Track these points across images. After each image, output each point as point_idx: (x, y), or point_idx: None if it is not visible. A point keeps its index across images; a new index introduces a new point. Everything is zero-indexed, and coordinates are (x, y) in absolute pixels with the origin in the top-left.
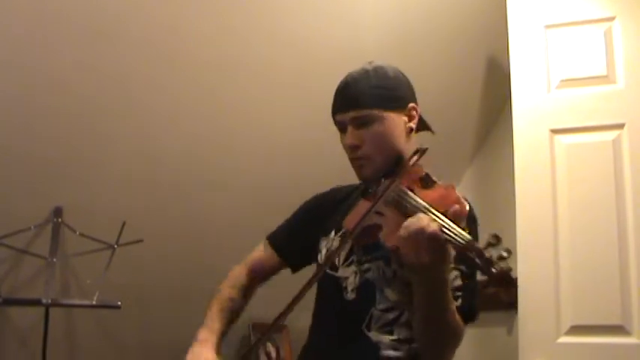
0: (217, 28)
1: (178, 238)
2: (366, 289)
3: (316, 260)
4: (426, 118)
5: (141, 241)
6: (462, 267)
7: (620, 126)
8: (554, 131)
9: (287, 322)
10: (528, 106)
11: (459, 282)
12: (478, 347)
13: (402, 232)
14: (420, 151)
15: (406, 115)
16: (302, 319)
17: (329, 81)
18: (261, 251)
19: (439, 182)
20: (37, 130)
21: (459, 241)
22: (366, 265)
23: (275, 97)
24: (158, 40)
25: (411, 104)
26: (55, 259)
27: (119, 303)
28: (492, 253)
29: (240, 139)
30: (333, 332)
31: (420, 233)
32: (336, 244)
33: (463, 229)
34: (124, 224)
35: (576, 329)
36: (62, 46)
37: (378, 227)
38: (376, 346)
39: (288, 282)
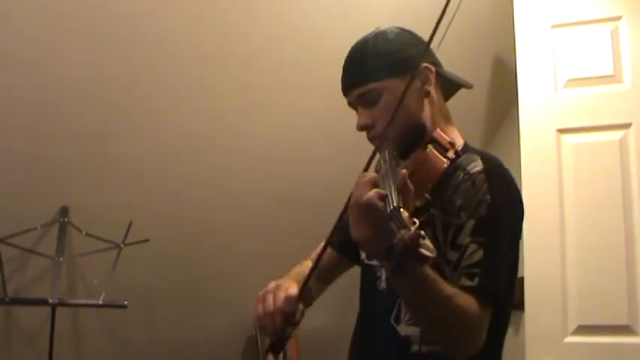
0: (221, 26)
1: (185, 237)
2: None
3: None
4: None
5: (147, 240)
6: (481, 238)
7: (627, 125)
8: (561, 131)
9: None
10: (535, 106)
11: (478, 257)
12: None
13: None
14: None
15: (420, 80)
16: (309, 319)
17: (334, 80)
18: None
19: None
20: (43, 130)
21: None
22: None
23: (282, 96)
24: (164, 39)
25: (423, 64)
26: (61, 259)
27: (126, 302)
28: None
29: (247, 140)
30: (367, 325)
31: (355, 203)
32: None
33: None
34: (130, 224)
35: (583, 329)
36: (68, 46)
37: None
38: (406, 341)
39: None
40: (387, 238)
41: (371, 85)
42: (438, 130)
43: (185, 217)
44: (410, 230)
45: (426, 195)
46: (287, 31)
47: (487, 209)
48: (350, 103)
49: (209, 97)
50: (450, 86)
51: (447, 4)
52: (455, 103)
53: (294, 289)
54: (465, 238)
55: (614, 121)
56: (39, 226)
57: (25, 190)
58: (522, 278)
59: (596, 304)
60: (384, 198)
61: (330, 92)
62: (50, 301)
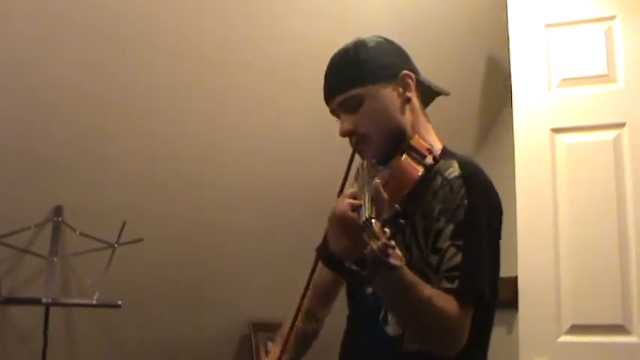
0: (220, 27)
1: (179, 237)
2: None
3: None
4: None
5: (141, 240)
6: (459, 242)
7: (621, 125)
8: (555, 130)
9: None
10: (529, 105)
11: (457, 260)
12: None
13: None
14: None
15: (399, 86)
16: None
17: None
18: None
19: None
20: (37, 129)
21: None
22: None
23: (279, 96)
24: (161, 39)
25: (404, 71)
26: (55, 258)
27: (119, 302)
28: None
29: (242, 139)
30: (357, 327)
31: (332, 215)
32: None
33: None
34: (124, 223)
35: (577, 328)
36: (63, 45)
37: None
38: (394, 341)
39: (286, 281)
40: (360, 248)
41: (353, 92)
42: (417, 136)
43: (179, 217)
44: (379, 240)
45: (396, 206)
46: (286, 32)
47: (465, 213)
48: (332, 111)
49: (206, 97)
50: (428, 93)
51: None
52: (449, 103)
53: None
54: (444, 242)
55: (608, 121)
56: (32, 226)
57: (18, 190)
58: (516, 277)
59: (590, 304)
60: (357, 209)
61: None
62: (44, 300)
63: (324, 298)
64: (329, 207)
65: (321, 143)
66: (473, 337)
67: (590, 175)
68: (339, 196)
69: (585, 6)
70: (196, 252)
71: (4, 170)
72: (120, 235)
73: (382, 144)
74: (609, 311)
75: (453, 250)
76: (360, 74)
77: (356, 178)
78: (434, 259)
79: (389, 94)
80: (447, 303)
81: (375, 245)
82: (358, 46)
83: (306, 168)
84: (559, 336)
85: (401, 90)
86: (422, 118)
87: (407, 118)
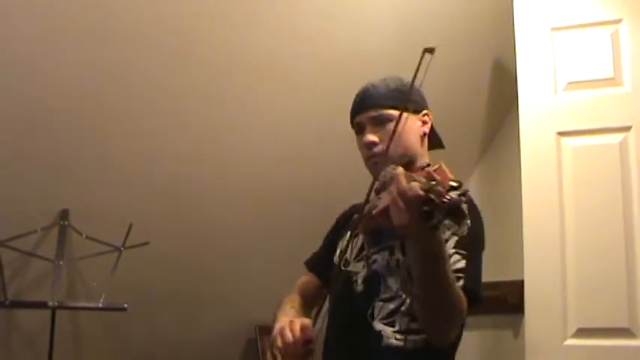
0: (221, 28)
1: (184, 240)
2: (372, 280)
3: (333, 261)
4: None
5: (147, 243)
6: (463, 252)
7: (627, 128)
8: (561, 134)
9: None
10: (535, 109)
11: (461, 264)
12: (484, 350)
13: (387, 195)
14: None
15: (420, 120)
16: None
17: (333, 81)
18: (301, 280)
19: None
20: (43, 133)
21: (427, 186)
22: (373, 257)
23: (280, 98)
24: (165, 40)
25: (425, 110)
26: (61, 262)
27: (125, 305)
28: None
29: (244, 140)
30: (344, 323)
31: (401, 193)
32: (347, 242)
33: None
34: (130, 226)
35: (583, 332)
36: (68, 47)
37: (374, 208)
38: (380, 335)
39: (293, 284)
40: (420, 222)
41: (385, 111)
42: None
43: (185, 220)
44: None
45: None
46: (287, 33)
47: (467, 230)
48: (358, 124)
49: (209, 99)
50: (433, 140)
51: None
52: (456, 106)
53: (307, 319)
54: (449, 249)
55: (614, 124)
56: (39, 229)
57: (25, 193)
58: (522, 281)
59: (596, 307)
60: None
61: (328, 94)
62: (50, 304)
63: (310, 303)
64: (334, 208)
65: (326, 145)
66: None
67: (597, 178)
68: (365, 207)
69: (591, 9)
70: (202, 255)
71: (10, 174)
72: (126, 238)
73: (394, 162)
74: (615, 314)
75: (457, 256)
76: (395, 100)
77: (381, 189)
78: None
79: (410, 123)
80: (460, 292)
81: (447, 197)
82: (396, 79)
83: (309, 169)
84: (565, 339)
85: (420, 124)
86: (426, 151)
87: (418, 148)
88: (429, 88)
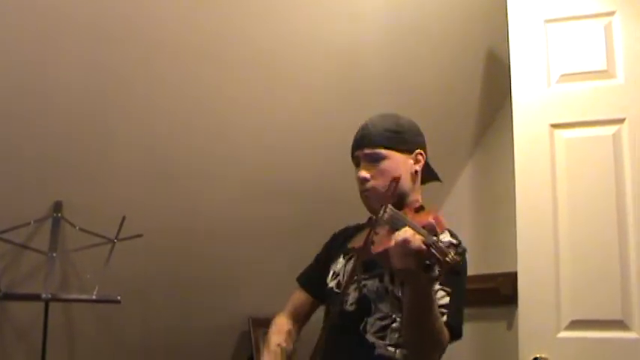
0: (219, 23)
1: (178, 232)
2: (363, 302)
3: (326, 281)
4: (425, 113)
5: (140, 235)
6: (447, 289)
7: (620, 120)
8: (554, 126)
9: None
10: (528, 101)
11: (445, 300)
12: (478, 342)
13: (393, 241)
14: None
15: (412, 159)
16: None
17: (329, 75)
18: (295, 293)
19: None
20: (36, 125)
21: (430, 242)
22: (364, 282)
23: (276, 91)
24: (158, 35)
25: (418, 150)
26: (54, 254)
27: (119, 297)
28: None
29: (240, 134)
30: (335, 334)
31: (406, 243)
32: (341, 266)
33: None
34: (123, 219)
35: (576, 324)
36: (62, 43)
37: (372, 242)
38: (372, 346)
39: (286, 277)
40: (421, 265)
41: (378, 150)
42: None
43: (178, 213)
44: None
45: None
46: (284, 29)
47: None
48: (354, 157)
49: (205, 93)
50: (428, 175)
51: None
52: (449, 98)
53: None
54: (435, 286)
55: (607, 116)
56: (32, 222)
57: (18, 186)
58: (515, 273)
59: (590, 299)
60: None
61: (324, 88)
62: (43, 296)
63: (302, 319)
64: (330, 203)
65: (323, 140)
66: None
67: (590, 170)
68: (367, 242)
69: (585, 1)
70: (196, 247)
71: (3, 167)
72: (119, 230)
73: (384, 197)
74: (609, 307)
75: (442, 292)
76: (388, 140)
77: (373, 222)
78: None
79: (402, 162)
80: (444, 328)
81: (449, 257)
82: (393, 119)
83: (305, 163)
84: (559, 331)
85: (412, 162)
86: (418, 187)
87: (409, 184)
88: (422, 80)
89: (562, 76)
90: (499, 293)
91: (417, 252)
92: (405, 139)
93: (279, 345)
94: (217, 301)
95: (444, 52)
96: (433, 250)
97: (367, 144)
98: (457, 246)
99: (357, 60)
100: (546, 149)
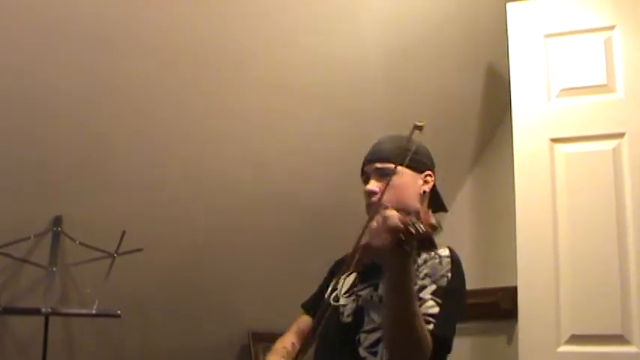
0: (220, 32)
1: (178, 247)
2: (359, 313)
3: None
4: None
5: (140, 250)
6: (439, 300)
7: (620, 135)
8: (554, 140)
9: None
10: (528, 115)
11: (434, 310)
12: (478, 356)
13: (372, 225)
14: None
15: (422, 179)
16: None
17: (332, 85)
18: (299, 319)
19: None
20: (36, 139)
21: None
22: (360, 292)
23: (278, 101)
24: (159, 44)
25: (428, 171)
26: (54, 268)
27: (119, 312)
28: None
29: (242, 147)
30: (330, 349)
31: (384, 220)
32: (340, 281)
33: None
34: (123, 233)
35: (576, 338)
36: (62, 51)
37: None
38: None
39: (286, 291)
40: (395, 242)
41: (390, 165)
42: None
43: (178, 227)
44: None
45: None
46: (283, 36)
47: (446, 282)
48: (364, 173)
49: (205, 104)
50: (436, 203)
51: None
52: (449, 113)
53: None
54: (425, 295)
55: (607, 131)
56: (32, 236)
57: (18, 200)
58: (515, 287)
59: (590, 314)
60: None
61: (324, 101)
62: (43, 310)
63: (305, 344)
64: (331, 215)
65: (322, 148)
66: None
67: (590, 184)
68: (358, 246)
69: (585, 16)
70: (196, 262)
71: (3, 180)
72: (119, 244)
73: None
74: (609, 321)
75: (432, 302)
76: (400, 157)
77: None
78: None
79: (411, 180)
80: (426, 331)
81: (422, 227)
82: (409, 139)
83: (308, 174)
84: (559, 346)
85: (421, 182)
86: (426, 209)
87: (415, 203)
88: (422, 94)
89: (562, 90)
90: (499, 308)
91: (394, 228)
92: (415, 158)
93: (284, 347)
94: (217, 315)
95: (444, 67)
96: (408, 226)
97: (377, 159)
98: (436, 229)
99: (356, 74)
100: (546, 164)
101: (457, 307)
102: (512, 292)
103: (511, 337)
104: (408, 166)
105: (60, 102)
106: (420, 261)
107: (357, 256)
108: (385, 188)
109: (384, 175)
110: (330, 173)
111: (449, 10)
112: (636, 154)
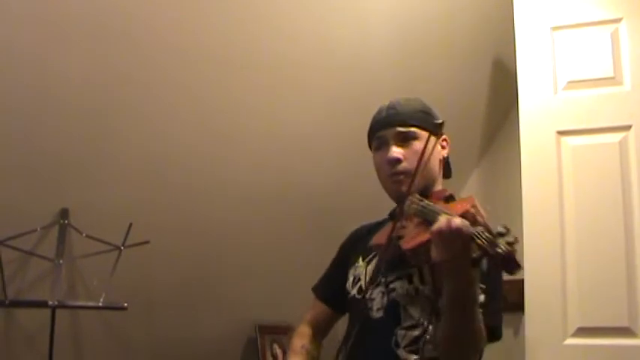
0: (227, 24)
1: (185, 239)
2: (392, 308)
3: (344, 287)
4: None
5: (147, 242)
6: (482, 286)
7: (627, 128)
8: (561, 133)
9: (293, 324)
10: (535, 108)
11: (481, 299)
12: (485, 349)
13: (434, 230)
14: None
15: (440, 144)
16: None
17: (338, 79)
18: (313, 305)
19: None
20: (42, 132)
21: (475, 231)
22: (392, 285)
23: (285, 93)
24: (166, 37)
25: (444, 135)
26: (61, 261)
27: (125, 304)
28: (501, 240)
29: (250, 139)
30: (362, 349)
31: (454, 228)
32: (361, 270)
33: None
34: (130, 225)
35: (583, 331)
36: (70, 45)
37: (399, 238)
38: None
39: (293, 284)
40: (468, 253)
41: (414, 129)
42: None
43: (186, 219)
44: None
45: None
46: (288, 29)
47: (487, 265)
48: (380, 138)
49: (216, 96)
50: (446, 169)
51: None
52: (456, 106)
53: None
54: None
55: (614, 124)
56: (39, 228)
57: (24, 192)
58: (522, 280)
59: (596, 306)
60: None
61: (332, 95)
62: (50, 303)
63: (323, 330)
64: (335, 207)
65: (327, 144)
66: None
67: (597, 177)
68: (392, 233)
69: (591, 8)
70: (202, 254)
71: (10, 173)
72: (126, 237)
73: (418, 181)
74: (616, 314)
75: (478, 290)
76: (423, 119)
77: (400, 215)
78: None
79: (436, 147)
80: (482, 328)
81: (501, 248)
82: (422, 102)
83: (311, 168)
84: (565, 338)
85: (440, 148)
86: (441, 177)
87: (437, 172)
88: (428, 88)
89: (569, 83)
90: (506, 300)
91: (467, 237)
92: (437, 123)
93: (303, 347)
94: (224, 308)
95: (451, 60)
96: (480, 241)
97: (399, 122)
98: (504, 234)
99: (363, 67)
100: (553, 156)
101: (500, 290)
102: (519, 285)
103: (518, 329)
104: (429, 131)
105: (67, 96)
106: None
107: (394, 250)
108: (422, 158)
109: (407, 140)
110: (340, 166)
111: (456, 2)
112: None
